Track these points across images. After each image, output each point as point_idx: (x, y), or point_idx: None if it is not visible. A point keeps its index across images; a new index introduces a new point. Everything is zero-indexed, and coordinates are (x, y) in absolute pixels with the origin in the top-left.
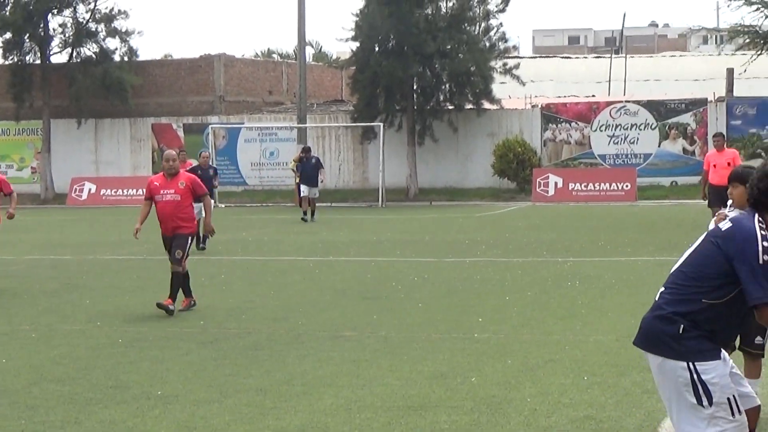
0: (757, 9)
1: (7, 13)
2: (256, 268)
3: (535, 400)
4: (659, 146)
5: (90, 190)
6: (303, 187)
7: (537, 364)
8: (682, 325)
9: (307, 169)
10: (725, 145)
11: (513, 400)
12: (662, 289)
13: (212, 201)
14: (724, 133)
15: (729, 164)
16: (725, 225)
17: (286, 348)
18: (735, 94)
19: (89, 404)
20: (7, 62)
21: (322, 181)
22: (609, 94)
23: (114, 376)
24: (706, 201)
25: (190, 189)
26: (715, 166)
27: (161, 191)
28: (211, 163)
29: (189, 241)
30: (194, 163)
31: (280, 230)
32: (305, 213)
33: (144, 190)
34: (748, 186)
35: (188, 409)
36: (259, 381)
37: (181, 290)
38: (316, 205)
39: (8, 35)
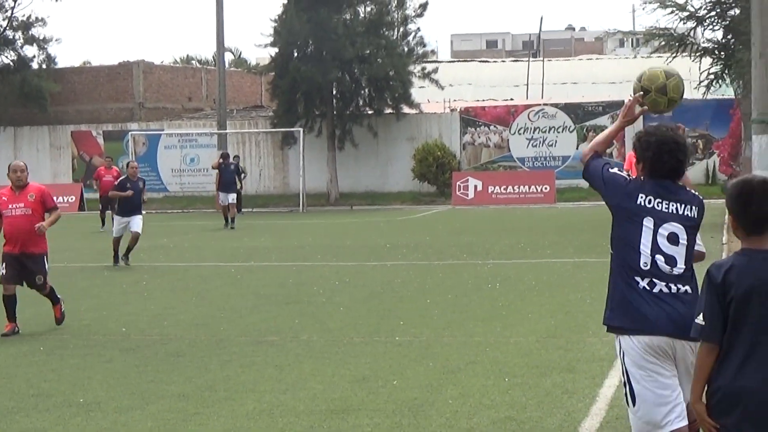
0: (672, 12)
1: None
2: (178, 275)
3: (457, 402)
4: (577, 149)
5: None
6: (221, 194)
7: (458, 366)
8: None
9: (226, 175)
10: None
11: (435, 402)
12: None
13: (141, 214)
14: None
15: None
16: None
17: (208, 354)
18: None
19: (10, 413)
20: None
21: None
22: (527, 98)
23: (35, 385)
24: None
25: (41, 201)
26: (631, 169)
27: (9, 205)
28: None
29: (46, 263)
30: (120, 170)
31: (202, 236)
32: (226, 220)
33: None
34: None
35: (111, 416)
36: (181, 387)
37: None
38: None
39: None
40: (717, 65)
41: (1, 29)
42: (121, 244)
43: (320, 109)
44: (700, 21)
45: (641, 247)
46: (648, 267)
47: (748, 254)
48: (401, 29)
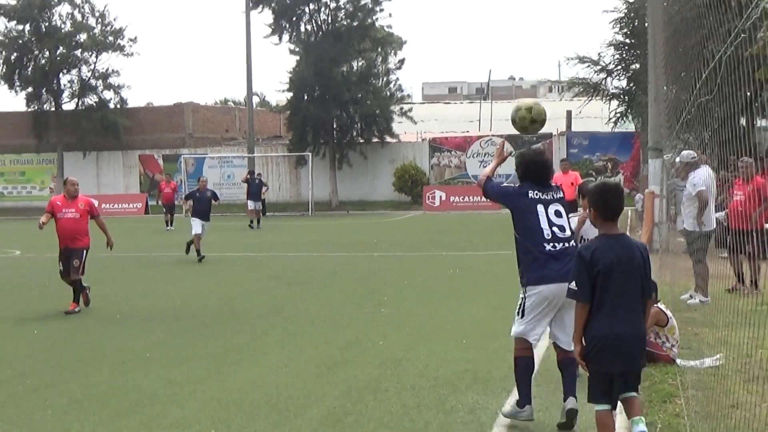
0: (588, 66)
1: (29, 73)
2: (217, 262)
3: (427, 358)
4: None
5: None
6: (249, 202)
7: (427, 331)
8: None
9: (252, 187)
10: (570, 168)
11: (410, 358)
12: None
13: (208, 220)
14: (567, 159)
15: (572, 184)
16: None
17: (240, 322)
18: (573, 129)
19: (95, 364)
20: (29, 110)
21: (264, 198)
22: (479, 130)
23: (96, 347)
24: None
25: (87, 210)
26: (561, 185)
27: (63, 209)
28: (209, 187)
29: (84, 255)
30: (177, 184)
31: (235, 234)
32: (252, 221)
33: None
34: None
35: (154, 372)
36: (210, 350)
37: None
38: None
39: (30, 89)
40: (622, 106)
41: (87, 78)
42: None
43: (324, 138)
44: (609, 73)
45: (541, 225)
46: (550, 235)
47: (606, 238)
48: (385, 79)
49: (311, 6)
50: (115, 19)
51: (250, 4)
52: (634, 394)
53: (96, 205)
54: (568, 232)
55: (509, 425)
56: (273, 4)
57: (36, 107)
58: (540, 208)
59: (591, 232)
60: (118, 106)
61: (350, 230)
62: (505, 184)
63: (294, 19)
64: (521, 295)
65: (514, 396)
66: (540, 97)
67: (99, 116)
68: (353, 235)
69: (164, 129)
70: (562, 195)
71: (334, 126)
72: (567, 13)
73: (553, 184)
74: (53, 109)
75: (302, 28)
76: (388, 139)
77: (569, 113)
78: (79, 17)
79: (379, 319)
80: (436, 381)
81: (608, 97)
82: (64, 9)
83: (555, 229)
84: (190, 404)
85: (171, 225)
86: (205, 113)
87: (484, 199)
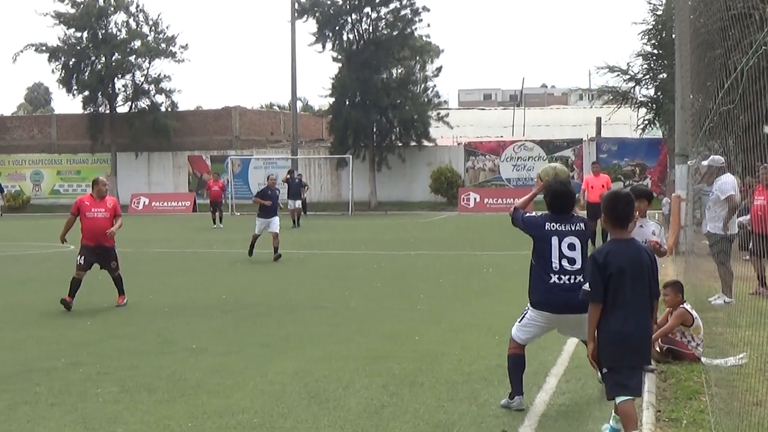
0: (617, 75)
1: (86, 77)
2: (261, 258)
3: (461, 353)
4: None
5: (144, 202)
6: (289, 201)
7: (462, 327)
8: None
9: (292, 186)
10: (601, 171)
11: (445, 353)
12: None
13: (277, 215)
14: (598, 162)
15: (603, 186)
16: None
17: (282, 315)
18: (602, 135)
19: (143, 354)
20: (85, 112)
21: (304, 197)
22: (512, 135)
23: (161, 334)
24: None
25: (114, 209)
26: (592, 187)
27: (92, 209)
28: (277, 186)
29: (116, 252)
30: (224, 183)
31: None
32: (293, 220)
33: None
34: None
35: (214, 358)
36: (264, 338)
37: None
38: (301, 213)
39: (87, 93)
40: (650, 114)
41: (140, 83)
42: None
43: (364, 142)
44: (638, 82)
45: (552, 257)
46: (557, 267)
47: (617, 242)
48: (423, 85)
49: (353, 16)
50: (167, 27)
51: (296, 14)
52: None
53: (119, 205)
54: (578, 265)
55: (539, 417)
56: (317, 14)
57: (92, 110)
58: (554, 240)
59: (637, 233)
60: (169, 109)
61: (388, 229)
62: (529, 214)
63: (337, 28)
64: (527, 305)
65: (544, 390)
66: (570, 104)
67: (151, 119)
68: (391, 234)
69: (212, 131)
70: (581, 228)
71: (374, 130)
72: (597, 24)
73: (576, 214)
74: (108, 111)
75: (345, 37)
76: (426, 143)
77: (599, 120)
78: (133, 25)
79: (415, 315)
80: (469, 375)
81: (637, 105)
82: (120, 17)
83: (564, 261)
84: (234, 394)
85: (220, 222)
86: (251, 117)
87: (517, 200)
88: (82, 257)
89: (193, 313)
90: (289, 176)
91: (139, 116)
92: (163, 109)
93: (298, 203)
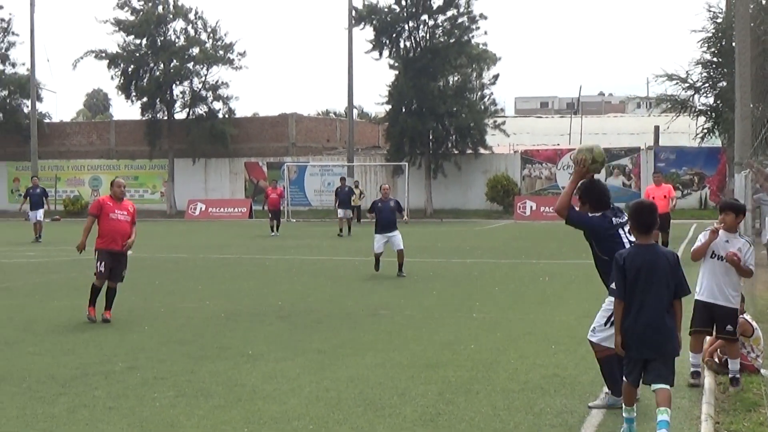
0: (676, 83)
1: (145, 84)
2: (317, 265)
3: (517, 362)
4: (605, 181)
5: (201, 208)
6: (339, 210)
7: (518, 336)
8: None
9: (342, 195)
10: (662, 181)
11: (501, 361)
12: None
13: (397, 230)
14: (659, 171)
15: (665, 197)
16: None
17: (338, 321)
18: (660, 144)
19: (200, 359)
20: (144, 118)
21: (359, 204)
22: (569, 143)
23: (218, 340)
24: None
25: (133, 214)
26: (653, 198)
27: (115, 210)
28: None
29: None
30: (282, 189)
31: (335, 239)
32: (341, 230)
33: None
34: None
35: (270, 364)
36: (320, 345)
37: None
38: (352, 221)
39: (145, 99)
40: (709, 122)
41: (198, 90)
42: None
43: (420, 149)
44: (697, 90)
45: (626, 247)
46: None
47: (638, 246)
48: (479, 93)
49: (411, 24)
50: (225, 34)
51: (353, 22)
52: (663, 385)
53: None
54: None
55: (596, 428)
56: (374, 22)
57: (150, 116)
58: (621, 232)
59: (720, 246)
60: (227, 116)
61: (444, 237)
62: (590, 214)
63: (394, 35)
64: (607, 306)
65: (600, 399)
66: (628, 112)
67: (208, 125)
68: (447, 241)
69: (269, 138)
70: (626, 218)
71: (430, 137)
72: (655, 31)
73: (616, 206)
74: (166, 118)
75: (402, 45)
76: (482, 150)
77: (657, 128)
78: (192, 32)
79: (471, 322)
80: (525, 384)
81: (695, 114)
82: (179, 24)
83: None
84: (290, 400)
85: (277, 230)
86: (307, 123)
87: (560, 196)
88: (103, 263)
89: (250, 319)
90: (340, 185)
91: (196, 122)
92: (220, 115)
93: (349, 213)
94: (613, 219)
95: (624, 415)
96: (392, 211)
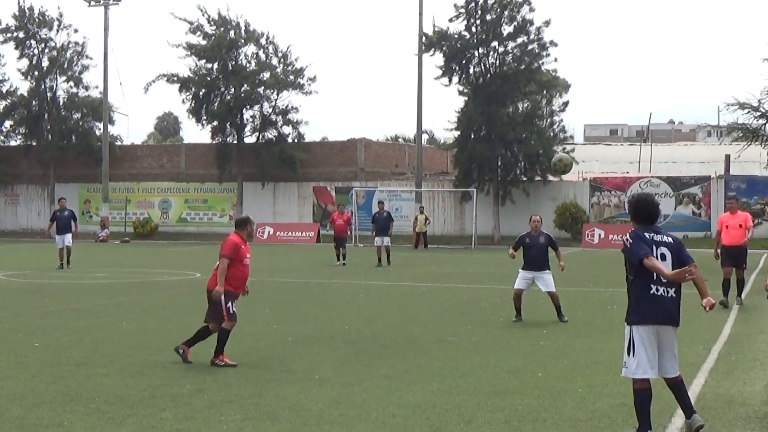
0: (748, 112)
1: (215, 108)
2: (385, 291)
3: (585, 390)
4: (675, 209)
5: (269, 231)
6: (376, 238)
7: (586, 364)
8: None
9: (380, 221)
10: (738, 208)
11: (568, 390)
12: None
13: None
14: (735, 197)
15: (740, 226)
16: None
17: (405, 347)
18: (731, 172)
19: (267, 383)
20: (214, 142)
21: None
22: (639, 171)
23: (285, 363)
24: (719, 260)
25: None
26: (727, 227)
27: (247, 255)
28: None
29: None
30: (350, 214)
31: (402, 264)
32: (380, 260)
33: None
34: None
35: (337, 389)
36: (386, 370)
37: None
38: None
39: (215, 123)
40: None
41: (268, 114)
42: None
43: (489, 176)
44: None
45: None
46: (656, 277)
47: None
48: (549, 120)
49: (480, 50)
50: (296, 59)
51: (423, 48)
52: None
53: None
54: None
55: None
56: (444, 48)
57: (220, 140)
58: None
59: None
60: (296, 140)
61: (512, 264)
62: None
63: (464, 62)
64: (628, 332)
65: (670, 431)
66: (698, 140)
67: (278, 150)
68: (514, 269)
69: (338, 163)
70: (670, 239)
71: (499, 164)
72: (726, 59)
73: (659, 228)
74: (236, 141)
75: (471, 71)
76: (551, 177)
77: (728, 157)
78: (263, 57)
79: (538, 350)
80: (593, 413)
81: (767, 142)
82: (250, 49)
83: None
84: (356, 425)
85: (344, 259)
86: (376, 149)
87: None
88: (233, 304)
89: (317, 343)
90: (378, 210)
91: (266, 147)
92: (290, 140)
93: (387, 240)
94: (646, 233)
95: None
96: (543, 248)
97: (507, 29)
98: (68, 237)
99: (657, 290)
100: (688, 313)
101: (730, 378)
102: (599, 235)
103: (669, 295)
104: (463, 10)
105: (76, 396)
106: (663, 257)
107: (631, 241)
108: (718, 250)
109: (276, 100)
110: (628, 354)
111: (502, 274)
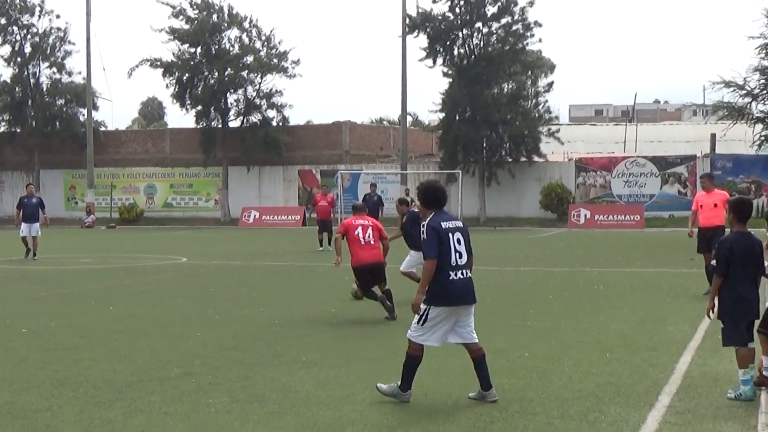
0: (733, 90)
1: (199, 92)
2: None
3: (571, 370)
4: (660, 189)
5: (255, 215)
6: None
7: (572, 344)
8: None
9: (369, 204)
10: (713, 187)
11: (555, 370)
12: None
13: None
14: (708, 175)
15: (715, 206)
16: None
17: (391, 329)
18: (716, 152)
19: (254, 366)
20: (198, 126)
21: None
22: (624, 151)
23: (272, 347)
24: (696, 242)
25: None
26: (702, 207)
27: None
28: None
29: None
30: (333, 197)
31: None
32: None
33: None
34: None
35: (324, 371)
36: (373, 352)
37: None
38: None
39: (199, 108)
40: (766, 130)
41: (252, 98)
42: None
43: (474, 157)
44: (754, 97)
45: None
46: (453, 262)
47: (740, 233)
48: (534, 101)
49: (465, 31)
50: (280, 43)
51: (407, 30)
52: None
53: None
54: (464, 259)
55: None
56: (428, 30)
57: (204, 124)
58: (450, 237)
59: None
60: (280, 124)
61: (498, 245)
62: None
63: (448, 43)
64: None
65: (656, 408)
66: (684, 120)
67: (262, 133)
68: (500, 250)
69: (323, 146)
70: (459, 223)
71: (484, 145)
72: (712, 38)
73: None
74: (220, 126)
75: (455, 52)
76: (536, 158)
77: (713, 136)
78: (246, 41)
79: (525, 331)
80: (579, 393)
81: (753, 121)
82: (233, 33)
83: (456, 254)
84: (344, 407)
85: (328, 244)
86: (361, 131)
87: (628, 217)
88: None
89: (304, 326)
90: (369, 192)
91: (250, 131)
92: (274, 123)
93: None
94: (441, 222)
95: (744, 377)
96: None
97: (491, 10)
98: (35, 226)
99: (455, 275)
100: (674, 293)
101: (717, 356)
102: (585, 215)
103: (466, 276)
104: None
105: (64, 380)
106: (459, 241)
107: (426, 236)
108: (694, 229)
109: (260, 84)
110: (419, 323)
111: (488, 256)
